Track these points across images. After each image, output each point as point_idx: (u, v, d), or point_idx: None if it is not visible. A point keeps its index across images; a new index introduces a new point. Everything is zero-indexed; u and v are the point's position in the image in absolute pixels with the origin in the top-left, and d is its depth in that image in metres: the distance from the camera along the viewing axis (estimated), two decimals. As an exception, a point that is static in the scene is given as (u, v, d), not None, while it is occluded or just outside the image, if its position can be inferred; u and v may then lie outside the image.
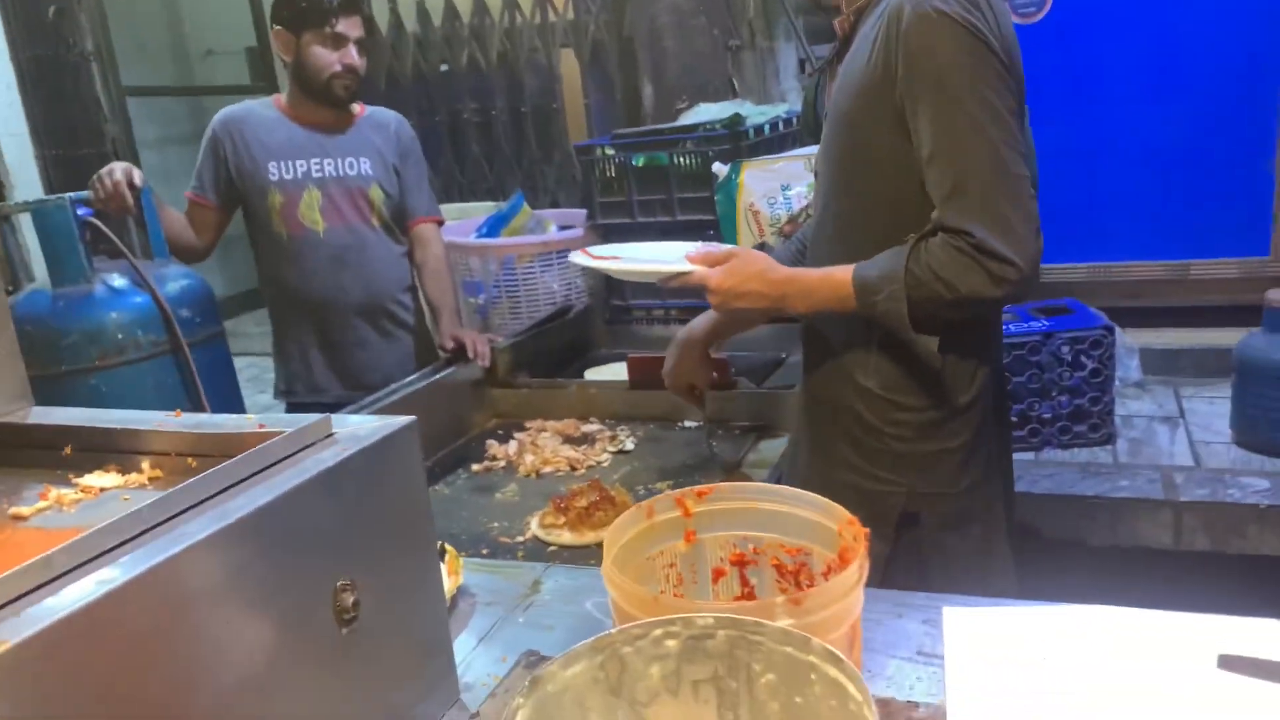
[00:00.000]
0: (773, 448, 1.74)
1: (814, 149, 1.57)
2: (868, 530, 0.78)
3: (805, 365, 1.36)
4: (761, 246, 2.11)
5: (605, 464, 1.75)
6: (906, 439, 1.22)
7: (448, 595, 1.09)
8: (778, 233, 2.07)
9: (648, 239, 2.46)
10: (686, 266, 1.22)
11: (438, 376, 1.93)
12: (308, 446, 0.81)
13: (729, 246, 1.25)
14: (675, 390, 1.60)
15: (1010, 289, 1.05)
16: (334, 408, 1.88)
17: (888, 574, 1.20)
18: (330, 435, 0.83)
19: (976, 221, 1.05)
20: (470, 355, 1.96)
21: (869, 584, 1.16)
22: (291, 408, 2.17)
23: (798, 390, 1.41)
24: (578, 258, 1.37)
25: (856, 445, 1.26)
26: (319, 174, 2.05)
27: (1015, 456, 1.39)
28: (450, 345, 2.00)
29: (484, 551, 1.40)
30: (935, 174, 1.07)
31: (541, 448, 1.82)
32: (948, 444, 1.21)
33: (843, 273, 1.16)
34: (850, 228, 1.21)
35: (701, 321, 1.52)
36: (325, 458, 0.78)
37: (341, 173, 2.06)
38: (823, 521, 0.84)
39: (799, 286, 1.18)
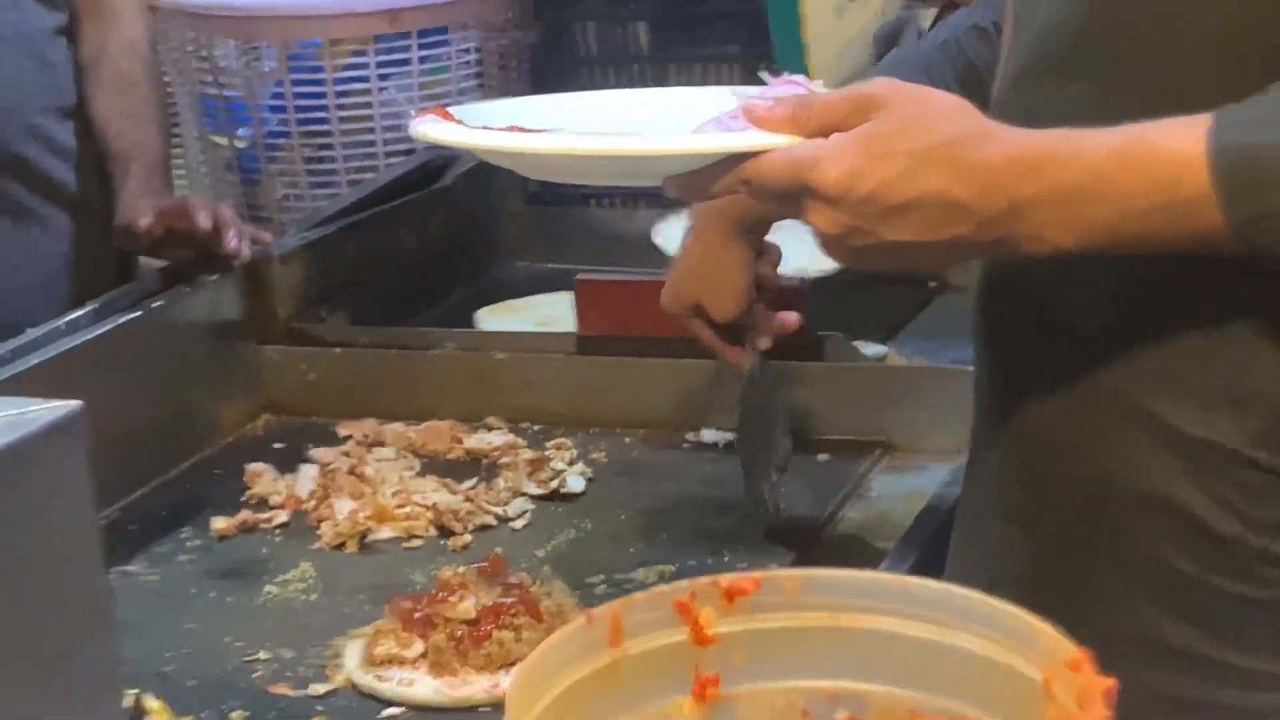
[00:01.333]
0: (906, 488, 1.77)
1: None
2: (1113, 683, 0.78)
3: (1005, 392, 1.35)
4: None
5: (519, 524, 1.79)
6: None
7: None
8: None
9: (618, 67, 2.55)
10: (756, 140, 1.18)
11: (134, 315, 1.96)
12: None
13: (863, 85, 1.20)
14: (675, 315, 1.66)
15: None
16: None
17: None
18: None
19: None
20: (205, 242, 2.02)
21: None
22: None
23: (987, 456, 1.39)
24: (429, 128, 1.35)
25: (1184, 597, 1.25)
26: None
27: None
28: (144, 227, 2.07)
29: (235, 716, 1.43)
30: None
31: (373, 482, 1.85)
32: None
33: (1173, 136, 1.13)
34: (1151, 44, 1.20)
35: None
36: None
37: None
38: (1010, 661, 0.85)
39: (1057, 174, 1.14)
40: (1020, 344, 1.33)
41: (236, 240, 2.04)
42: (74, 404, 0.89)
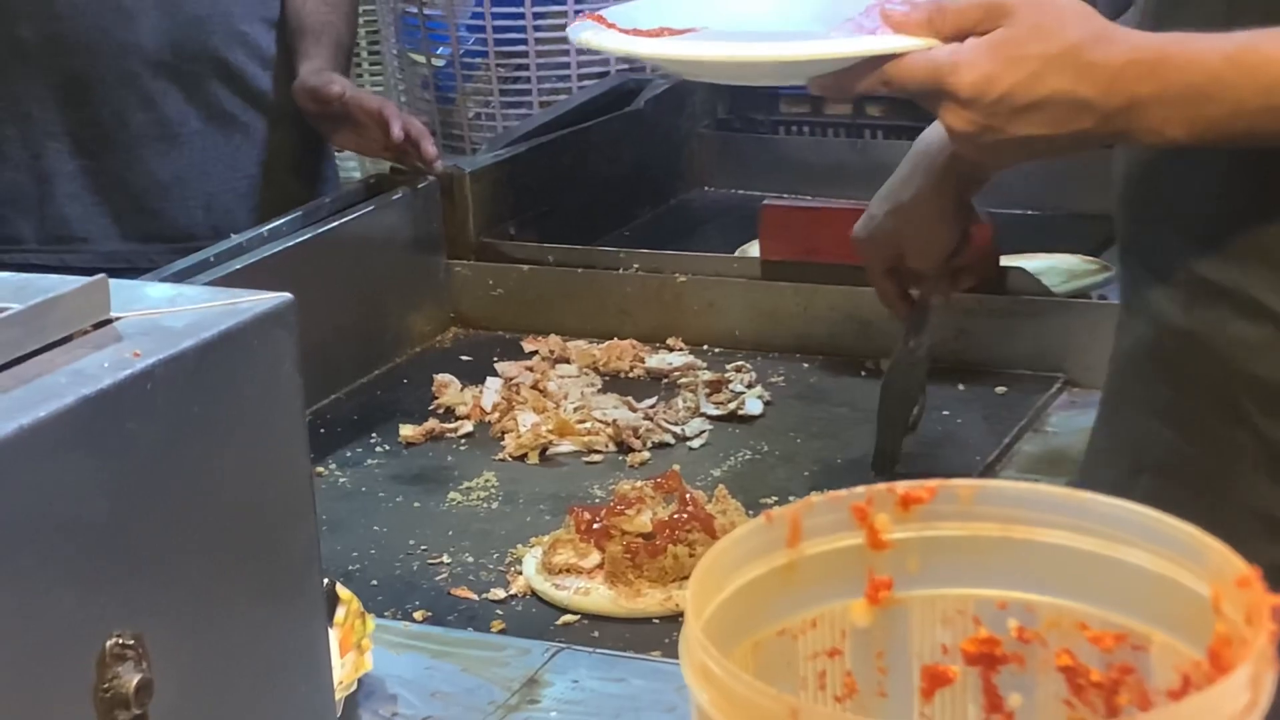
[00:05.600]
0: (1084, 423, 1.74)
1: None
2: (1281, 601, 0.78)
3: (1143, 291, 1.38)
4: None
5: (696, 443, 1.82)
6: None
7: (340, 692, 1.13)
8: None
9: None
10: (894, 43, 1.24)
11: (332, 225, 2.01)
12: (56, 344, 0.87)
13: None
14: (864, 250, 1.66)
15: None
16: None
17: None
18: (109, 321, 0.89)
19: None
20: (394, 140, 2.08)
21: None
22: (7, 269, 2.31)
23: (1128, 350, 1.43)
24: (586, 32, 1.41)
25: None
26: None
27: None
28: (335, 93, 2.14)
29: (418, 615, 1.48)
30: None
31: (555, 397, 1.89)
32: None
33: None
34: None
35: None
36: (91, 370, 0.84)
37: None
38: (1180, 578, 0.85)
39: (1174, 76, 1.20)
40: (1152, 245, 1.36)
41: (434, 149, 2.09)
42: (285, 295, 0.92)
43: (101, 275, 0.91)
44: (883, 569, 0.92)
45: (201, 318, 0.90)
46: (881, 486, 0.91)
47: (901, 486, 0.91)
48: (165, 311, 0.91)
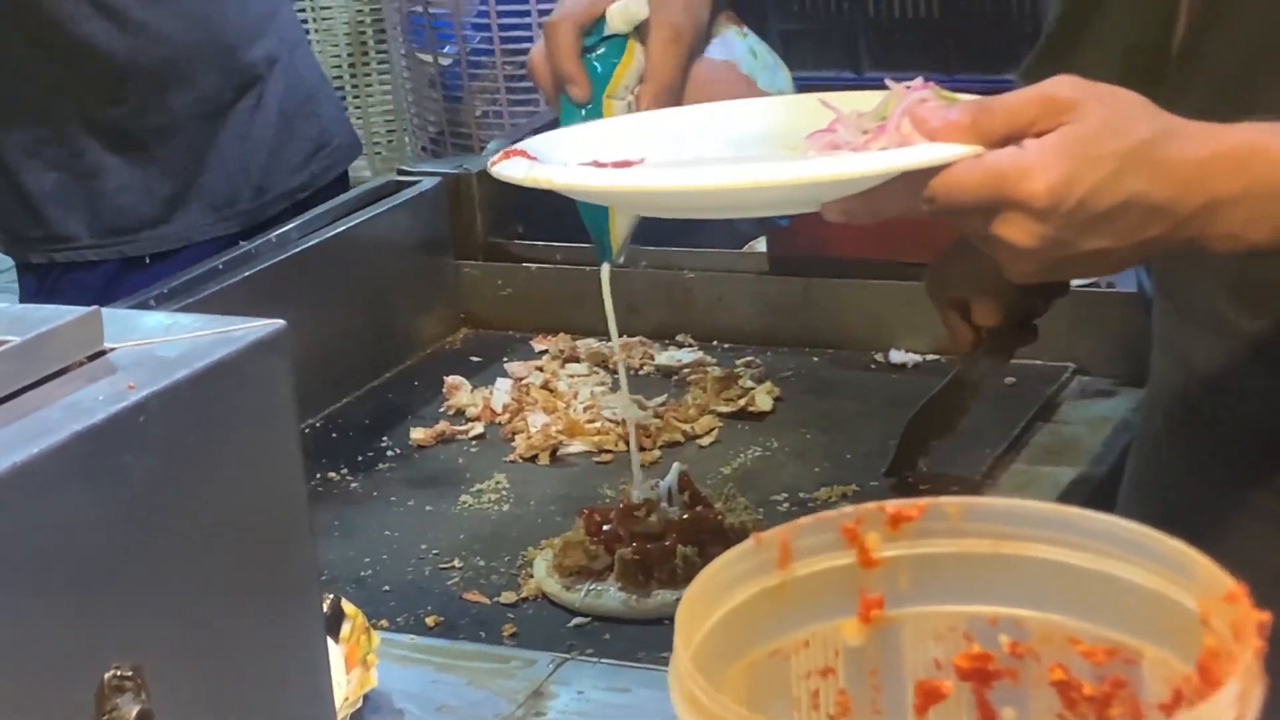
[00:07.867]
0: (1095, 413, 1.77)
1: None
2: (1268, 617, 0.79)
3: (1179, 336, 1.37)
4: None
5: (706, 441, 1.83)
6: None
7: (346, 710, 1.15)
8: None
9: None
10: (941, 152, 1.06)
11: (338, 230, 2.04)
12: (51, 377, 0.88)
13: (1046, 84, 1.10)
14: (935, 301, 1.60)
15: None
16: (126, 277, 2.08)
17: None
18: (101, 353, 0.90)
19: None
20: None
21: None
22: (30, 269, 2.39)
23: (1163, 391, 1.43)
24: (508, 168, 1.21)
25: None
26: None
27: None
28: None
29: (429, 620, 1.49)
30: None
31: (565, 397, 1.90)
32: None
33: None
34: None
35: None
36: (86, 404, 0.85)
37: None
38: (1169, 593, 0.85)
39: (1264, 170, 1.08)
40: (1182, 287, 1.33)
41: None
42: (277, 322, 0.92)
43: (95, 308, 0.91)
44: (874, 587, 0.92)
45: (195, 347, 0.90)
46: (871, 505, 0.92)
47: (891, 505, 0.92)
48: (159, 341, 0.91)
